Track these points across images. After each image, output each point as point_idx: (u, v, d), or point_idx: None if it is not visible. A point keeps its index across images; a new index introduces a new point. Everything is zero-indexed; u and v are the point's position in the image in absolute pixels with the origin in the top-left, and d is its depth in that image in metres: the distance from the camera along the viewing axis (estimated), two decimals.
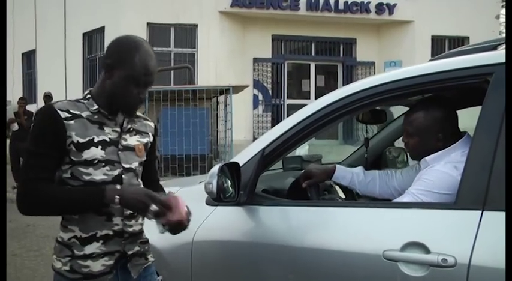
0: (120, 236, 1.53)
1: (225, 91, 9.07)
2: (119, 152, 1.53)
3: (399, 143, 2.50)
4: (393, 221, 1.57)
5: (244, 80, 11.14)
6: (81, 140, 1.46)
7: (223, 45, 11.17)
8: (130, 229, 1.55)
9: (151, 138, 1.66)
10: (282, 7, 11.44)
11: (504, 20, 13.41)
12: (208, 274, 1.92)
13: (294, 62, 12.67)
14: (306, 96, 12.42)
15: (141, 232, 1.61)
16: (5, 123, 8.40)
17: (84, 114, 1.49)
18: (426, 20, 11.85)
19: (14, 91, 13.35)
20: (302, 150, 3.51)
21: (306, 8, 11.53)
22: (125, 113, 1.55)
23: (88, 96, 1.54)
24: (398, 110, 2.61)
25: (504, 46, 1.72)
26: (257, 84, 11.93)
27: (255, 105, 11.96)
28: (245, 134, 11.37)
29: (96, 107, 1.51)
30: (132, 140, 1.58)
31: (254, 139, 11.35)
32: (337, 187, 2.22)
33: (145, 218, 1.54)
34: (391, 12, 11.94)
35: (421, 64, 1.74)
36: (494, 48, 1.73)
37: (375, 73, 12.39)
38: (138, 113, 1.63)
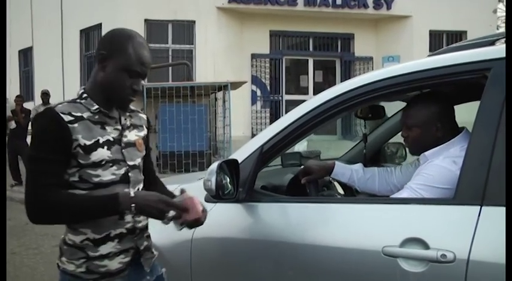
0: (132, 233, 1.54)
1: (223, 87, 9.06)
2: (123, 150, 1.53)
3: (398, 138, 2.50)
4: (392, 217, 1.57)
5: (242, 76, 11.13)
6: (87, 143, 1.44)
7: (221, 41, 11.15)
8: (140, 225, 1.57)
9: (146, 131, 1.67)
10: (280, 3, 11.42)
11: (501, 14, 13.44)
12: (208, 271, 1.92)
13: (292, 58, 12.65)
14: (304, 91, 12.42)
15: (147, 226, 1.63)
16: (5, 122, 8.36)
17: (86, 115, 1.47)
18: (424, 15, 11.84)
19: (11, 89, 13.31)
20: (301, 146, 3.51)
21: (303, 4, 11.51)
22: (118, 107, 1.54)
23: (85, 95, 1.51)
24: (392, 107, 2.61)
25: (502, 41, 1.73)
26: (255, 80, 11.92)
27: (253, 101, 11.96)
28: (243, 130, 11.37)
29: (96, 107, 1.49)
30: (132, 136, 1.58)
31: (253, 135, 11.36)
32: (336, 183, 2.22)
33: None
34: (388, 7, 11.93)
35: (419, 60, 1.74)
36: (492, 43, 1.72)
37: (373, 68, 12.39)
38: (131, 107, 1.62)
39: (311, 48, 12.61)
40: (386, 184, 2.07)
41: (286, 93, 12.30)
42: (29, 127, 8.91)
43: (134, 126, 1.60)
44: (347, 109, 1.84)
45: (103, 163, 1.46)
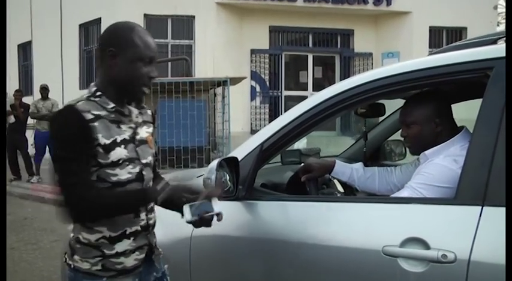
0: (146, 230, 1.56)
1: (223, 83, 9.02)
2: (136, 148, 1.53)
3: (398, 136, 2.49)
4: (393, 217, 1.56)
5: (242, 71, 11.10)
6: (107, 142, 1.44)
7: (221, 37, 11.12)
8: (151, 222, 1.60)
9: (152, 127, 1.68)
10: None
11: (502, 10, 13.41)
12: (207, 268, 1.92)
13: (292, 54, 12.62)
14: (304, 87, 12.40)
15: (155, 223, 1.64)
16: (5, 117, 8.33)
17: (103, 113, 1.46)
18: (424, 11, 11.81)
19: (10, 83, 13.26)
20: (300, 144, 3.49)
21: None
22: (134, 100, 1.55)
23: (99, 93, 1.49)
24: (392, 104, 2.60)
25: (504, 40, 1.72)
26: (254, 76, 11.89)
27: (253, 97, 11.94)
28: (243, 126, 11.35)
29: (112, 105, 1.48)
30: (143, 133, 1.59)
31: (252, 131, 11.36)
32: (335, 181, 2.22)
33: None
34: (388, 3, 11.89)
35: (420, 58, 1.73)
36: (494, 42, 1.71)
37: (372, 64, 12.38)
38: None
39: (310, 44, 12.57)
40: (386, 183, 2.07)
41: (286, 89, 12.28)
42: (28, 121, 8.91)
43: (144, 123, 1.62)
44: (347, 107, 1.83)
45: (120, 162, 1.47)
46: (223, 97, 9.25)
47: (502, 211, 1.36)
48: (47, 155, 8.72)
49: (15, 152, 8.74)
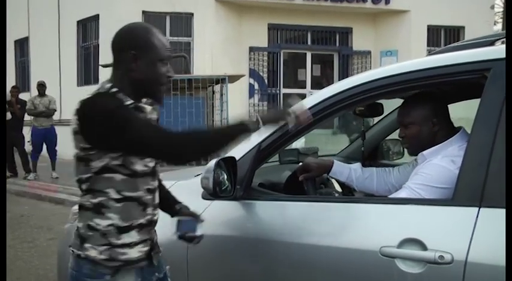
0: (149, 225, 1.58)
1: (221, 80, 9.02)
2: None
3: (396, 135, 2.49)
4: (390, 218, 1.56)
5: (240, 69, 11.10)
6: None
7: (219, 34, 11.10)
8: (155, 218, 1.62)
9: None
10: None
11: (498, 10, 13.45)
12: (205, 268, 1.92)
13: (290, 51, 12.61)
14: (302, 85, 12.40)
15: (157, 220, 1.65)
16: (5, 115, 8.28)
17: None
18: (422, 10, 11.82)
19: (7, 79, 13.22)
20: (298, 143, 3.49)
21: None
22: (154, 99, 1.57)
23: (115, 89, 1.48)
24: (391, 104, 2.60)
25: (501, 41, 1.72)
26: (253, 74, 11.89)
27: (251, 95, 11.93)
28: None
29: (131, 101, 1.49)
30: None
31: None
32: (333, 181, 2.22)
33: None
34: (387, 2, 11.89)
35: (419, 59, 1.73)
36: (491, 43, 1.72)
37: (371, 62, 12.38)
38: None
39: (309, 42, 12.57)
40: (384, 184, 2.07)
41: (284, 86, 12.28)
42: (25, 118, 8.88)
43: (157, 120, 1.65)
44: (345, 107, 1.84)
45: None
46: (221, 95, 9.25)
47: (499, 212, 1.37)
48: (44, 152, 8.72)
49: (12, 149, 8.71)
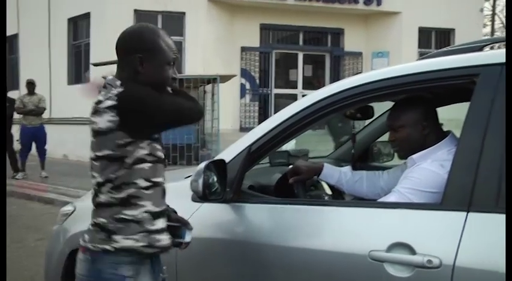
0: (166, 216, 1.61)
1: (212, 80, 9.01)
2: None
3: (386, 138, 2.50)
4: (379, 222, 1.57)
5: (232, 69, 11.08)
6: None
7: (211, 34, 11.07)
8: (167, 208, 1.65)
9: None
10: None
11: (487, 13, 13.62)
12: (193, 270, 1.91)
13: (282, 52, 12.62)
14: (294, 85, 12.42)
15: None
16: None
17: None
18: (414, 12, 11.88)
19: None
20: (289, 144, 3.49)
21: None
22: None
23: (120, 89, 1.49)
24: (381, 106, 2.62)
25: (489, 47, 1.75)
26: (244, 73, 11.87)
27: (242, 95, 11.92)
28: (232, 124, 11.33)
29: None
30: None
31: (241, 129, 11.34)
32: (324, 183, 2.22)
33: None
34: (379, 3, 11.94)
35: (409, 63, 1.74)
36: (480, 49, 1.73)
37: (362, 63, 12.43)
38: None
39: (301, 43, 12.59)
40: (374, 187, 2.08)
41: (276, 87, 12.28)
42: (14, 116, 8.78)
43: None
44: (337, 110, 1.84)
45: (159, 138, 1.56)
46: (212, 95, 9.23)
47: (487, 216, 1.38)
48: (33, 151, 8.64)
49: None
